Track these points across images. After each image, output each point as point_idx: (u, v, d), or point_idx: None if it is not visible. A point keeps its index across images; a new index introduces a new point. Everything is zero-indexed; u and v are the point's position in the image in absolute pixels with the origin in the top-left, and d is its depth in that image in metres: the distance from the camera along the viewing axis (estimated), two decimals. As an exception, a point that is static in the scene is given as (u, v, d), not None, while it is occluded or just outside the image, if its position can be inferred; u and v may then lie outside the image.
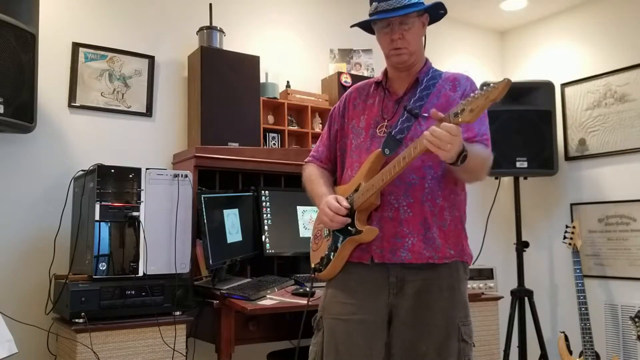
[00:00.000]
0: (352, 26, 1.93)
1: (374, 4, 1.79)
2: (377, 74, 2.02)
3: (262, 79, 3.30)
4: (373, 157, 1.78)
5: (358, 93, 1.98)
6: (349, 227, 1.78)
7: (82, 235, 2.41)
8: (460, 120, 1.52)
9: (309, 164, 2.06)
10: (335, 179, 2.02)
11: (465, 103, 1.51)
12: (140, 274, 2.35)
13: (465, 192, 1.89)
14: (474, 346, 1.79)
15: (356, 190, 1.79)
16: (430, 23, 1.87)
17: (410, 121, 1.77)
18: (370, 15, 1.82)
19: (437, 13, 1.84)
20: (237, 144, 2.99)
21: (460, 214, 1.84)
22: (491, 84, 1.46)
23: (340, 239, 1.81)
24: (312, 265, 1.94)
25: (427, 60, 1.91)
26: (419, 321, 1.74)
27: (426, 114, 1.77)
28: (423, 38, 1.87)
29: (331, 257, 1.84)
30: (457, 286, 1.78)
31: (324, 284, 1.93)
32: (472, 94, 1.51)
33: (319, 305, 1.91)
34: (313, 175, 1.99)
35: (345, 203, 1.77)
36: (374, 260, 1.78)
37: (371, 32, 1.90)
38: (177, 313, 2.41)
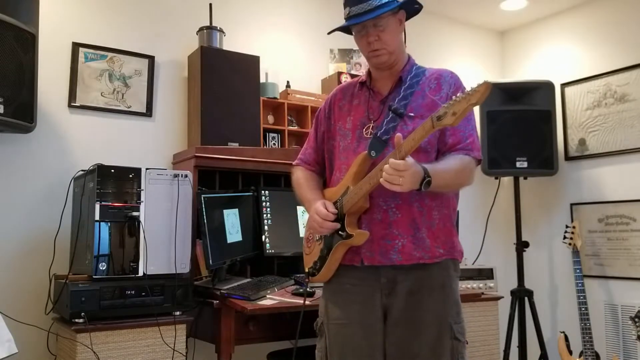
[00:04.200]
0: (329, 33, 1.91)
1: (347, 8, 1.78)
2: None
3: (262, 79, 3.30)
4: (360, 160, 1.77)
5: (343, 94, 1.96)
6: (339, 232, 1.77)
7: (82, 235, 2.41)
8: (443, 123, 1.50)
9: (297, 168, 2.05)
10: (324, 180, 2.02)
11: (447, 106, 1.49)
12: (140, 274, 2.35)
13: None
14: (467, 344, 1.80)
15: (345, 193, 1.78)
16: (407, 18, 1.84)
17: (396, 121, 1.76)
18: (345, 19, 1.81)
19: (412, 8, 1.82)
20: (237, 144, 2.99)
21: (449, 211, 1.82)
22: (472, 87, 1.45)
23: (332, 243, 1.81)
24: (306, 269, 1.95)
25: (409, 57, 1.89)
26: (411, 321, 1.74)
27: (412, 114, 1.76)
28: (402, 35, 1.85)
29: (324, 260, 1.85)
30: (449, 284, 1.78)
31: (322, 283, 1.94)
32: (453, 97, 1.49)
33: (319, 311, 1.91)
34: (301, 179, 1.99)
35: (332, 209, 1.77)
36: (364, 263, 1.78)
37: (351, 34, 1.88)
38: (177, 313, 2.41)
